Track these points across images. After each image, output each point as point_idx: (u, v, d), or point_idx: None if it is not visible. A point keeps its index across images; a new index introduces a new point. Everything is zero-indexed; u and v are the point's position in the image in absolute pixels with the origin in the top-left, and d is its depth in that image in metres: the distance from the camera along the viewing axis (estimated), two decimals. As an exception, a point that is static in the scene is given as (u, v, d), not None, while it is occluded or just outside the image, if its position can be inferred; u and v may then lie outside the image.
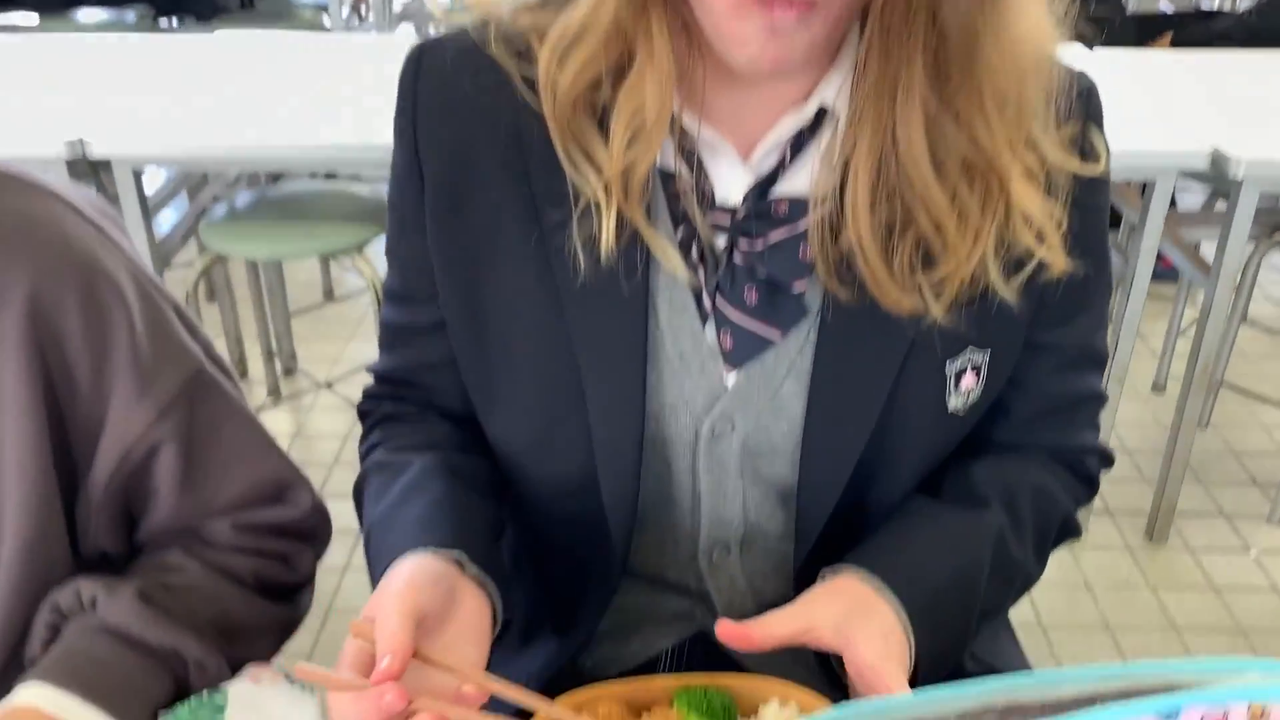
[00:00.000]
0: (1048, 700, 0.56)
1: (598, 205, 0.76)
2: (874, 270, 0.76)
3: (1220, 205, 2.98)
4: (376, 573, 0.76)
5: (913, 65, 0.71)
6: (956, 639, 0.83)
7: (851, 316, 0.78)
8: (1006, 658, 1.01)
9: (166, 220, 2.73)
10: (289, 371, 2.98)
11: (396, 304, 0.90)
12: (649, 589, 0.96)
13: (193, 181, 2.88)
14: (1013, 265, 0.78)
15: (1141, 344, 3.09)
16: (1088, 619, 2.20)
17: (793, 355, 0.82)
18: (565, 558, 0.90)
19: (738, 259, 0.79)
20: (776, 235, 0.78)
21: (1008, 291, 0.78)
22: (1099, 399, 0.94)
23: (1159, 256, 2.15)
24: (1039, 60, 0.74)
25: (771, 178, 0.78)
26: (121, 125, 2.04)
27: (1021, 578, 0.89)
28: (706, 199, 0.79)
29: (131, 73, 2.43)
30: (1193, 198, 3.47)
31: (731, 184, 0.79)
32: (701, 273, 0.80)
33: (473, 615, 0.73)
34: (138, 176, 2.06)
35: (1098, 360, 0.92)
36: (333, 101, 2.21)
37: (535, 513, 0.90)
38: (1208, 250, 2.27)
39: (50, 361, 0.77)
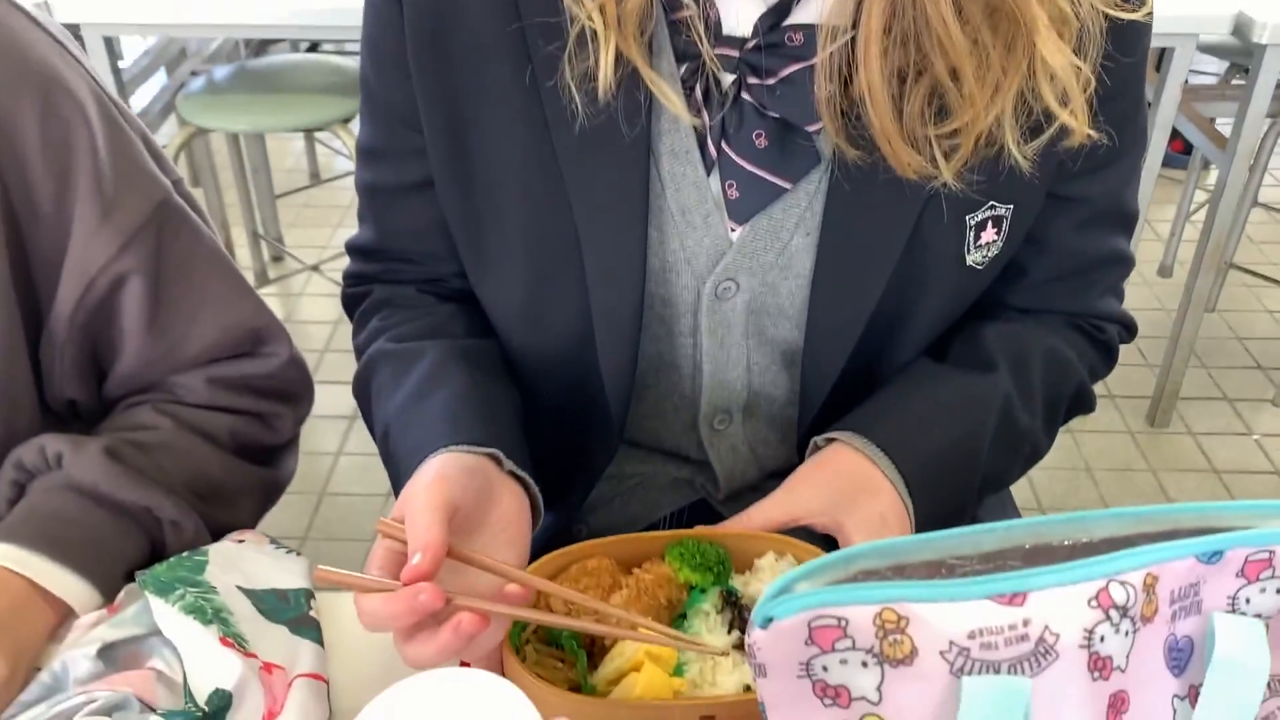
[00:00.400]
0: (1078, 541, 0.52)
1: (594, 35, 0.69)
2: (883, 122, 0.69)
3: (1236, 84, 2.89)
4: (401, 473, 0.72)
5: None
6: (957, 508, 0.80)
7: (866, 164, 0.72)
8: (1006, 507, 0.98)
9: (143, 98, 2.63)
10: (276, 257, 2.91)
11: (375, 162, 0.83)
12: (646, 457, 0.92)
13: (169, 57, 2.77)
14: (1030, 128, 0.71)
15: (1149, 229, 3.03)
16: (1088, 502, 2.19)
17: (802, 207, 0.76)
18: (560, 426, 0.86)
19: (746, 97, 0.73)
20: (789, 70, 0.72)
21: (1023, 156, 0.71)
22: (1124, 262, 0.88)
23: (1172, 135, 2.08)
24: None
25: (784, 6, 0.71)
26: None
27: (1029, 447, 0.85)
28: (712, 30, 0.72)
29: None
30: (1202, 79, 3.37)
31: (740, 12, 0.72)
32: (706, 116, 0.73)
33: (511, 513, 0.68)
34: (110, 45, 1.96)
35: (1125, 219, 0.86)
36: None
37: (528, 378, 0.85)
38: (1221, 129, 2.20)
39: (9, 182, 0.72)
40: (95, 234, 0.75)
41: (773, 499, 0.75)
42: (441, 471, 0.65)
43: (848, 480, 0.75)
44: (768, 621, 0.47)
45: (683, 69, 0.73)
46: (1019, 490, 1.58)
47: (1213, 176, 2.93)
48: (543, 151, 0.74)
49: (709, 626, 0.67)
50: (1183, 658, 0.51)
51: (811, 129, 0.73)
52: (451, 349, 0.80)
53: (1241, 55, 2.59)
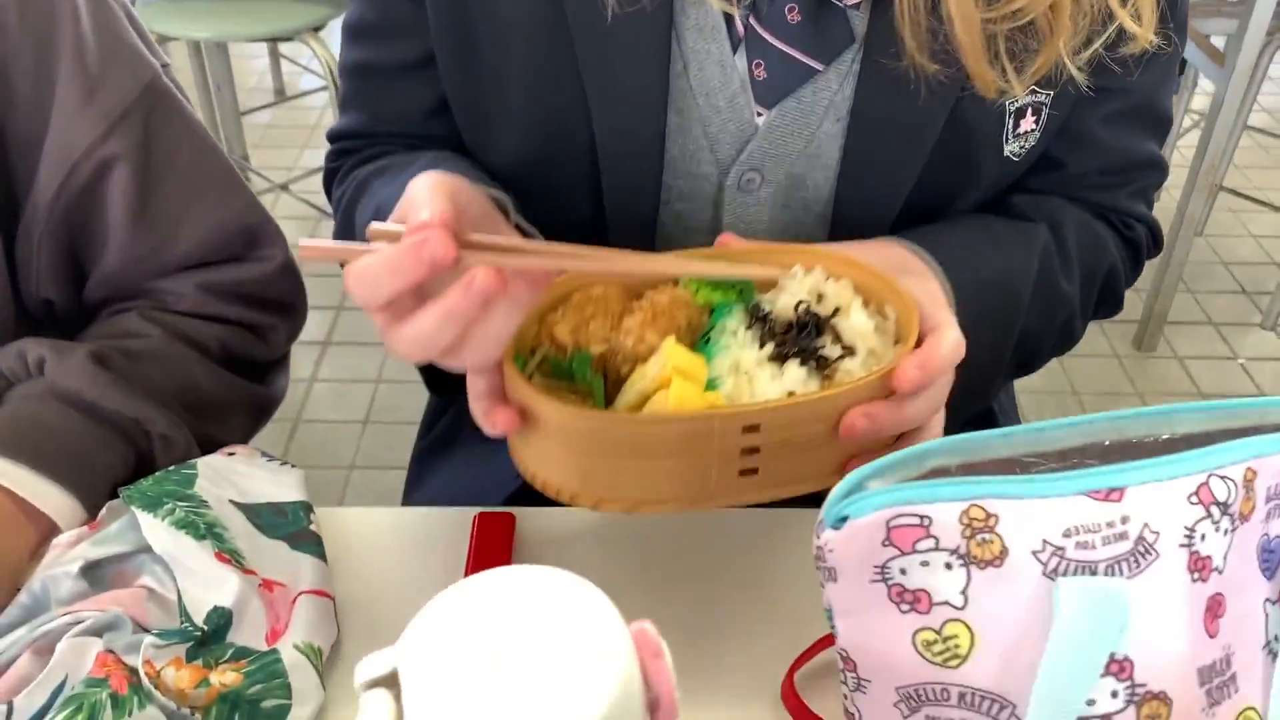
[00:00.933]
0: (1158, 438, 0.48)
1: None
2: (970, 34, 0.63)
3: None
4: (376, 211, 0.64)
5: None
6: (994, 358, 0.75)
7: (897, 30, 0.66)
8: None
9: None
10: (242, 174, 2.81)
11: (366, 40, 0.77)
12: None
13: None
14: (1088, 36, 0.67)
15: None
16: (1075, 425, 2.17)
17: (833, 90, 0.71)
18: None
19: None
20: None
21: (1075, 67, 0.67)
22: (1156, 168, 0.84)
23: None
24: None
25: None
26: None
27: (1064, 315, 0.80)
28: None
29: None
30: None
31: None
32: None
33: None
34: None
35: (1159, 121, 0.82)
36: None
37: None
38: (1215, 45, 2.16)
39: None
40: (79, 115, 0.69)
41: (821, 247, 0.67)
42: (445, 177, 0.57)
43: (899, 260, 0.68)
44: (841, 521, 0.43)
45: None
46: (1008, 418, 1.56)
47: (1196, 101, 2.89)
48: (553, 22, 0.68)
49: (739, 344, 0.59)
50: (1274, 559, 0.48)
51: (850, 3, 0.67)
52: (451, 153, 0.74)
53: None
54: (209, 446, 0.73)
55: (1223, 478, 0.44)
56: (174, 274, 0.76)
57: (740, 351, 0.58)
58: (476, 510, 0.70)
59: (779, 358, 0.57)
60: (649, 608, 0.37)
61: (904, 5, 0.65)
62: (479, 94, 0.73)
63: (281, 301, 0.82)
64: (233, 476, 0.68)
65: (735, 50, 0.70)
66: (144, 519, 0.62)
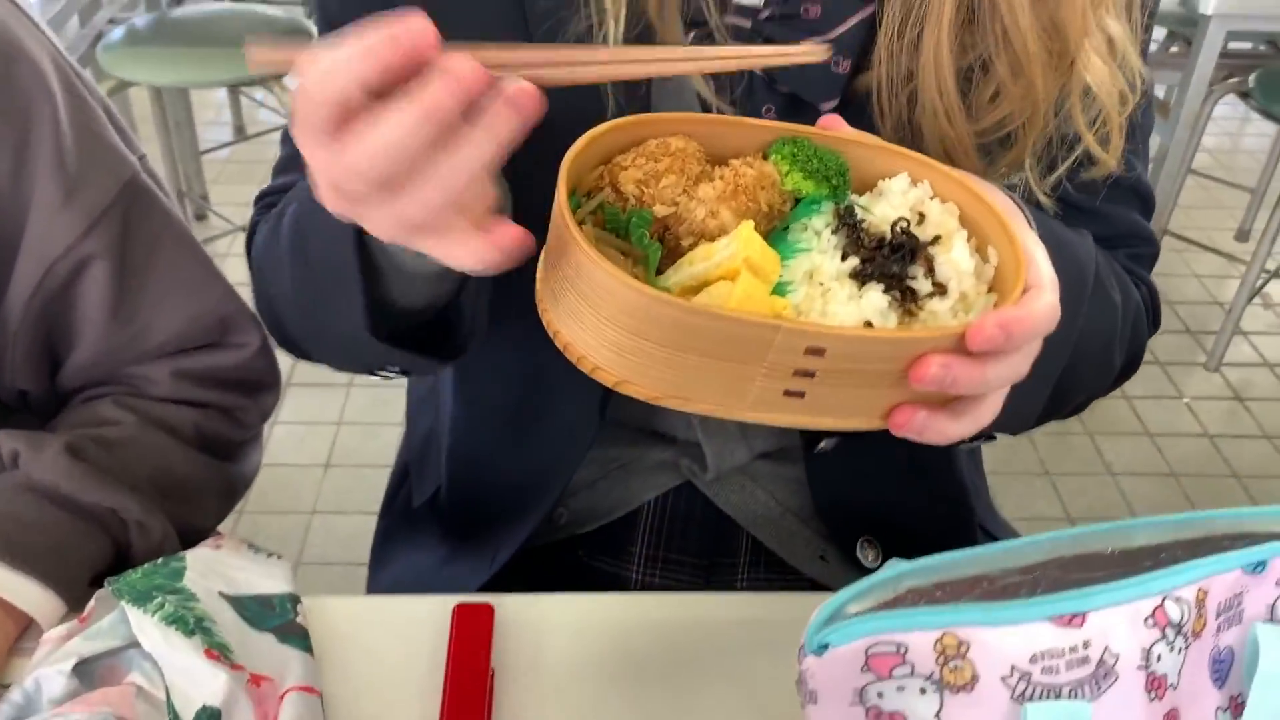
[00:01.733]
0: (1116, 550, 0.51)
1: None
2: (942, 124, 0.64)
3: (1174, 52, 2.93)
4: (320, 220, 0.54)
5: None
6: (1058, 350, 0.71)
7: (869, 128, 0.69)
8: (1010, 533, 0.97)
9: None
10: (200, 216, 2.80)
11: None
12: (630, 438, 0.89)
13: (83, 3, 2.63)
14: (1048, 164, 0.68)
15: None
16: (1027, 465, 2.22)
17: None
18: (536, 406, 0.82)
19: (759, 70, 0.69)
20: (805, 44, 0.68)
21: (1042, 193, 0.68)
22: (1148, 241, 0.81)
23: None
24: None
25: None
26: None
27: (1108, 333, 0.74)
28: (722, 2, 0.68)
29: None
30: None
31: None
32: (712, 84, 0.70)
33: None
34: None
35: (1140, 192, 0.80)
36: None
37: (499, 354, 0.80)
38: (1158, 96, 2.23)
39: None
40: (58, 214, 0.70)
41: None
42: None
43: (1004, 203, 0.60)
44: (823, 648, 0.45)
45: (690, 37, 0.69)
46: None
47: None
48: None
49: (820, 248, 0.52)
50: (1224, 669, 0.51)
51: (825, 106, 0.70)
52: None
53: (1183, 24, 2.62)
54: (183, 530, 0.74)
55: (1177, 599, 0.47)
56: (150, 361, 0.77)
57: (820, 258, 0.51)
58: (455, 600, 0.71)
59: (861, 276, 0.51)
60: (630, 705, 0.38)
61: (884, 93, 0.66)
62: None
63: (256, 381, 0.83)
64: (220, 568, 0.69)
65: None
66: (133, 615, 0.63)
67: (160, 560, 0.67)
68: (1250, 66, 2.48)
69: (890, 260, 0.51)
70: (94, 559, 0.70)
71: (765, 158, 0.55)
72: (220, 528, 0.81)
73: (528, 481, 0.86)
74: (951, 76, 0.64)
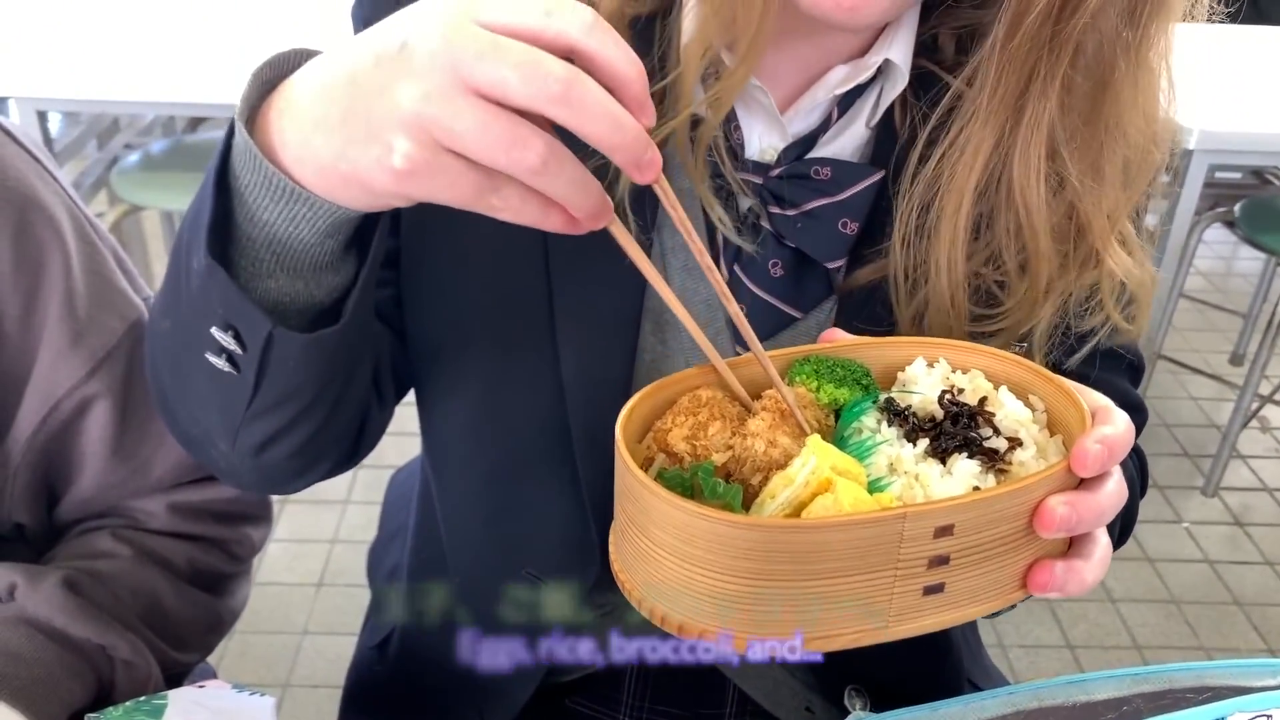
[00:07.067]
0: (1077, 703, 0.52)
1: None
2: (946, 303, 0.66)
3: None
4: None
5: (1050, 85, 0.61)
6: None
7: (873, 291, 0.71)
8: (996, 678, 0.96)
9: (73, 170, 2.56)
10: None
11: None
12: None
13: (102, 127, 2.71)
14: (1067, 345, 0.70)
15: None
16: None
17: (811, 335, 0.73)
18: (530, 550, 0.80)
19: (766, 225, 0.71)
20: (814, 204, 0.70)
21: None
22: (1136, 409, 0.81)
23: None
24: (1155, 128, 0.66)
25: (809, 139, 0.70)
26: (22, 61, 1.88)
27: (1137, 455, 0.78)
28: (734, 154, 0.70)
29: (35, 2, 2.25)
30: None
31: (763, 137, 0.70)
32: (721, 237, 0.71)
33: None
34: (42, 118, 1.91)
35: (1132, 362, 0.81)
36: (260, 39, 2.08)
37: (496, 487, 0.80)
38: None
39: None
40: (65, 356, 0.71)
41: None
42: None
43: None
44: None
45: (705, 184, 0.70)
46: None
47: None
48: (531, 256, 0.69)
49: (888, 442, 0.52)
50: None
51: (832, 266, 0.71)
52: None
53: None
54: (167, 664, 0.74)
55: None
56: (147, 495, 0.78)
57: (893, 449, 0.51)
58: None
59: (939, 453, 0.51)
60: None
61: (898, 281, 0.68)
62: (435, 295, 0.73)
63: (249, 514, 0.84)
64: (205, 705, 0.69)
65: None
66: (110, 754, 0.63)
67: (143, 698, 0.67)
68: (1236, 196, 2.54)
69: (959, 429, 0.52)
70: (77, 694, 0.70)
71: (789, 383, 0.56)
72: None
73: (523, 625, 0.83)
74: (963, 271, 0.66)
